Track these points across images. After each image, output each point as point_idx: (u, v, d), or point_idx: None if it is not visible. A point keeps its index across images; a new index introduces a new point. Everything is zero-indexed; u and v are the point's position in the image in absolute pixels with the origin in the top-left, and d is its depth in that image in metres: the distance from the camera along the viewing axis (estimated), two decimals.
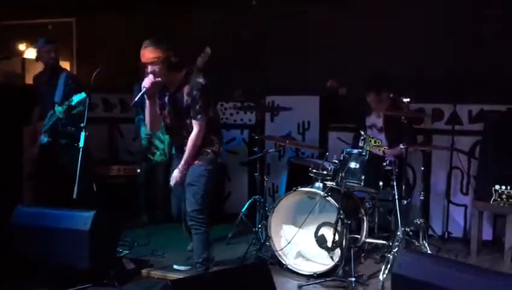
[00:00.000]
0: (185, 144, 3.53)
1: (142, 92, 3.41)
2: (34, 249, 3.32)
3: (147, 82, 3.40)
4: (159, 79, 3.43)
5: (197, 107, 3.44)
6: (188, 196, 3.56)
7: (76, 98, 3.86)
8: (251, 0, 5.51)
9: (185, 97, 3.48)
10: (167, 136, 4.60)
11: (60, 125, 4.33)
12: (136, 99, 3.51)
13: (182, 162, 3.52)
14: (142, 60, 3.40)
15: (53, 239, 3.27)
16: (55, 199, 4.04)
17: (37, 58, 4.53)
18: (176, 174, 3.55)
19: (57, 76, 4.43)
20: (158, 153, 4.80)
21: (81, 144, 3.63)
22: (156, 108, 3.58)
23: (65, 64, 6.71)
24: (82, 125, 3.68)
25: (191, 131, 3.49)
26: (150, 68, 3.39)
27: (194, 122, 3.47)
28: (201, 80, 3.50)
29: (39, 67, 4.73)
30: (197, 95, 3.43)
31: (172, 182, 3.57)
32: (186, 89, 3.48)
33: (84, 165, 3.59)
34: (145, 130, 4.84)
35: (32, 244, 3.32)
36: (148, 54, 3.39)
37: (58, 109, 4.16)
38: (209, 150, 3.56)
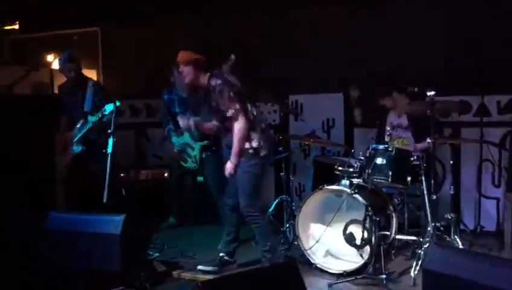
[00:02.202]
0: (227, 139, 3.76)
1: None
2: (66, 254, 3.39)
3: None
4: (187, 79, 3.76)
5: (222, 103, 3.63)
6: (239, 192, 3.74)
7: (109, 108, 3.89)
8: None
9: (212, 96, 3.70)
10: (198, 144, 4.74)
11: (91, 135, 4.36)
12: None
13: (232, 154, 3.67)
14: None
15: (85, 243, 3.34)
16: (86, 204, 4.12)
17: (61, 71, 4.62)
18: (228, 165, 3.70)
19: (84, 85, 4.49)
20: (190, 160, 4.87)
21: (109, 150, 3.70)
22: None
23: (91, 73, 6.84)
24: (109, 131, 3.74)
25: (232, 125, 3.65)
26: (180, 68, 3.78)
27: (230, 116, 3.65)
28: (219, 80, 3.68)
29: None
30: (217, 93, 3.64)
31: (226, 172, 3.72)
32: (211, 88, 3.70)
33: (112, 170, 3.66)
34: (176, 139, 4.93)
35: (65, 249, 3.39)
36: (181, 54, 3.79)
37: (92, 118, 4.17)
38: (248, 146, 3.67)
